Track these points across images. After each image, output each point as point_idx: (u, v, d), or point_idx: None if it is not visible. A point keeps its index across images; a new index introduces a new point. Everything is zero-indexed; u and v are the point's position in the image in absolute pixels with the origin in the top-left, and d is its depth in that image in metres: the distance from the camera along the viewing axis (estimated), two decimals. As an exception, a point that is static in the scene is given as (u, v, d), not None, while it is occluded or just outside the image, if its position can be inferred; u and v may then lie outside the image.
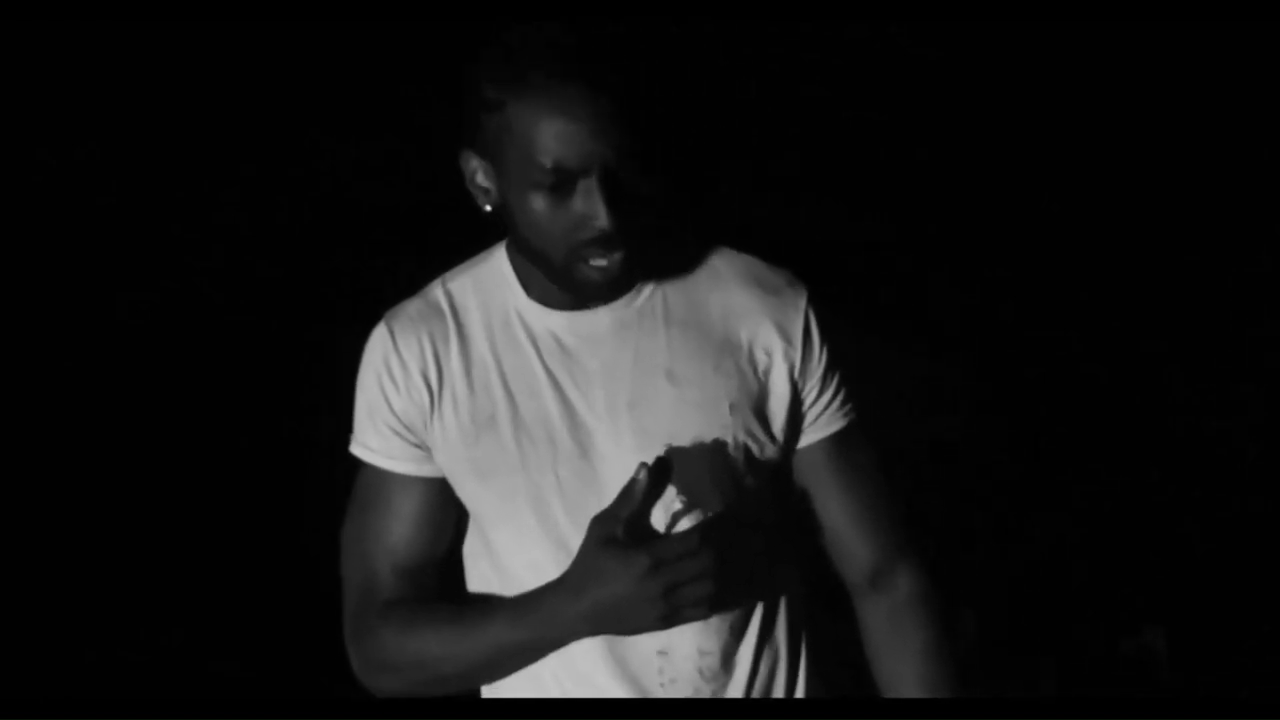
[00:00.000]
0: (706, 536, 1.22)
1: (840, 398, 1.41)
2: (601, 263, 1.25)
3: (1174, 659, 2.99)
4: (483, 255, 1.43)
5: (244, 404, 3.65)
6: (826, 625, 1.49)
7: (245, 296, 3.76)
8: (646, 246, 1.31)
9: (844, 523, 1.43)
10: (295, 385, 3.69)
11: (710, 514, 1.33)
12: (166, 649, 3.04)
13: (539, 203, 1.23)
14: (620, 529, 1.23)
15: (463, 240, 1.51)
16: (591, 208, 1.22)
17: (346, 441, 1.48)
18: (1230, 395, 3.73)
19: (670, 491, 1.32)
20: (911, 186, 3.98)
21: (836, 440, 1.41)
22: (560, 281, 1.30)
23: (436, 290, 1.41)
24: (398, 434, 1.37)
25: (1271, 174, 3.97)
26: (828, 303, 1.41)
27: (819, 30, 3.39)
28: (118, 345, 3.62)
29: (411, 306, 1.40)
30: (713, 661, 1.37)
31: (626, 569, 1.20)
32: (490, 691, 1.43)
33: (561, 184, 1.22)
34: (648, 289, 1.37)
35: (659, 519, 1.31)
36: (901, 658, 1.43)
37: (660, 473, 1.29)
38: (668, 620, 1.22)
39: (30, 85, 3.49)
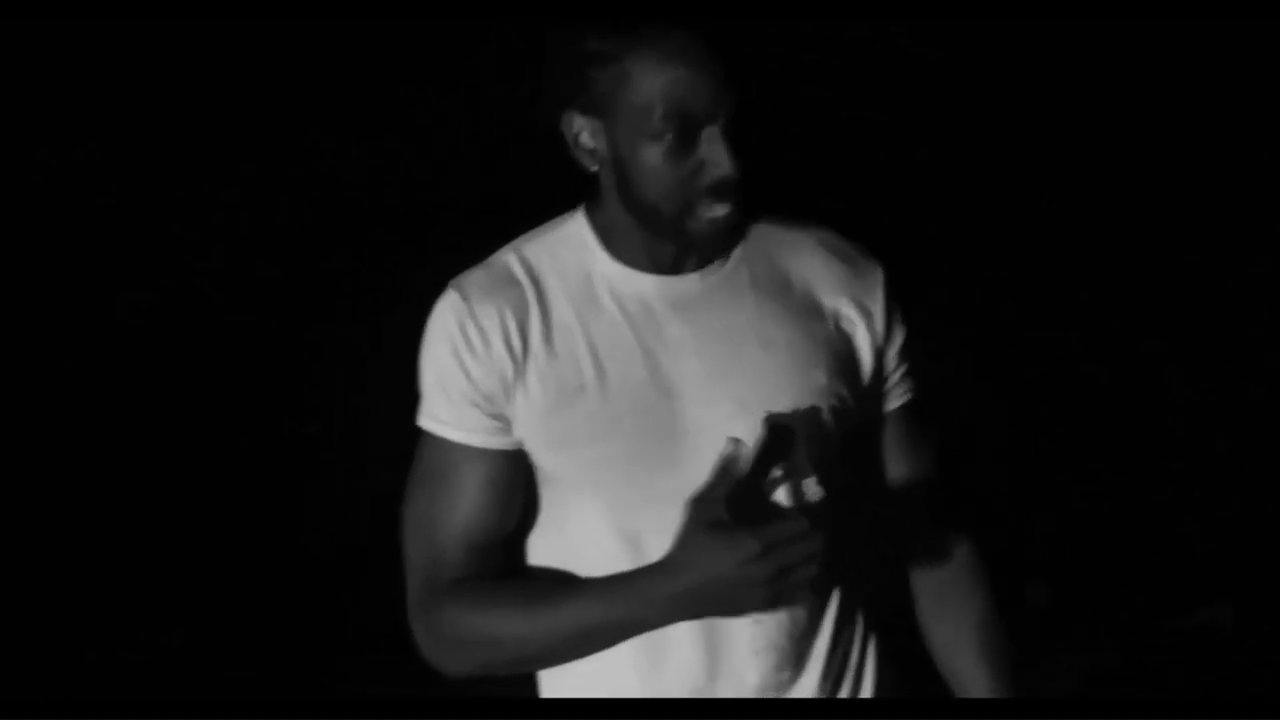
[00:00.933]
0: (814, 516, 1.20)
1: (910, 371, 1.43)
2: (719, 211, 1.24)
3: (1239, 634, 3.00)
4: (554, 223, 1.40)
5: (244, 404, 3.66)
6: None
7: (245, 296, 3.76)
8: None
9: (908, 490, 1.45)
10: (295, 385, 3.69)
11: (804, 481, 1.33)
12: (166, 649, 3.04)
13: (658, 153, 1.22)
14: (723, 509, 1.20)
15: (462, 240, 1.51)
16: (716, 155, 1.21)
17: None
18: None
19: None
20: (911, 187, 3.98)
21: (904, 412, 1.44)
22: (669, 234, 1.28)
23: (508, 256, 1.38)
24: (474, 405, 1.33)
25: (1271, 174, 3.97)
26: (896, 274, 1.43)
27: (819, 30, 3.39)
28: (117, 345, 3.62)
29: (481, 274, 1.37)
30: (801, 628, 1.37)
31: (733, 552, 1.16)
32: None
33: (684, 132, 1.21)
34: (734, 256, 1.37)
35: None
36: (960, 625, 1.46)
37: (776, 443, 1.27)
38: (771, 604, 1.19)
39: (30, 85, 3.49)
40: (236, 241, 3.79)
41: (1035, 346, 3.88)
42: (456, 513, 1.35)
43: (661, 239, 1.30)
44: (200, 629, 3.10)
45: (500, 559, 1.37)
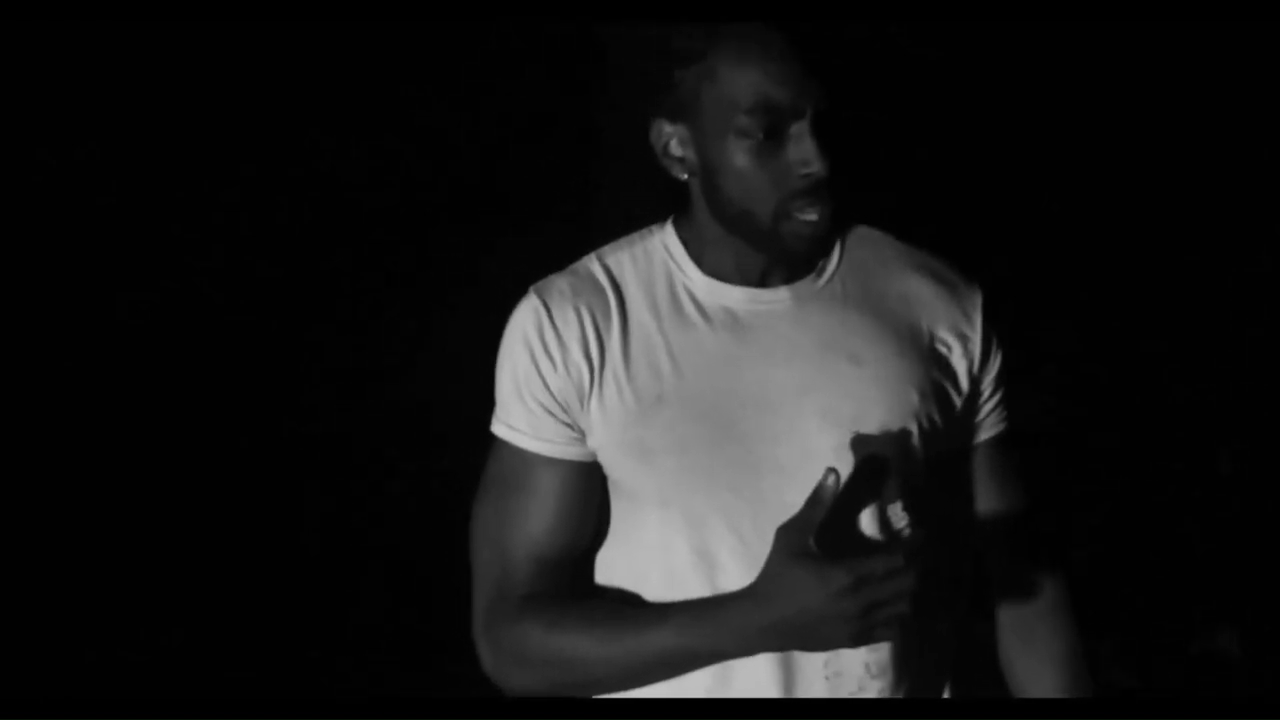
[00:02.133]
0: (908, 552, 1.16)
1: (1005, 400, 1.39)
2: (812, 216, 1.21)
3: (1247, 661, 2.98)
4: (640, 234, 1.37)
5: (244, 404, 3.66)
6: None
7: (243, 296, 3.77)
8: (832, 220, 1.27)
9: (998, 522, 1.41)
10: (295, 385, 3.69)
11: (891, 506, 1.29)
12: (166, 649, 3.04)
13: (746, 153, 1.20)
14: (811, 539, 1.15)
15: (462, 240, 1.51)
16: (804, 151, 1.18)
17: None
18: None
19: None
20: (912, 187, 3.97)
21: (998, 442, 1.39)
22: (761, 242, 1.25)
23: (591, 264, 1.34)
24: (550, 413, 1.29)
25: (1272, 174, 3.98)
26: (996, 298, 1.39)
27: (819, 30, 3.38)
28: (118, 345, 3.62)
29: (563, 280, 1.32)
30: (882, 657, 1.31)
31: (823, 585, 1.12)
32: None
33: (772, 129, 1.18)
34: (828, 270, 1.33)
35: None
36: (1042, 662, 1.43)
37: (868, 474, 1.24)
38: (858, 640, 1.14)
39: (30, 85, 3.49)
40: (237, 241, 3.80)
41: (1040, 344, 3.88)
42: (528, 524, 1.31)
43: (753, 249, 1.27)
44: (200, 629, 3.10)
45: (570, 573, 1.33)
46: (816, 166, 1.18)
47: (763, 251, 1.26)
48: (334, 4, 3.38)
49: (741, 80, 1.18)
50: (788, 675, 1.29)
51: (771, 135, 1.19)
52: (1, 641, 2.94)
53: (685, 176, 1.27)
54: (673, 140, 1.26)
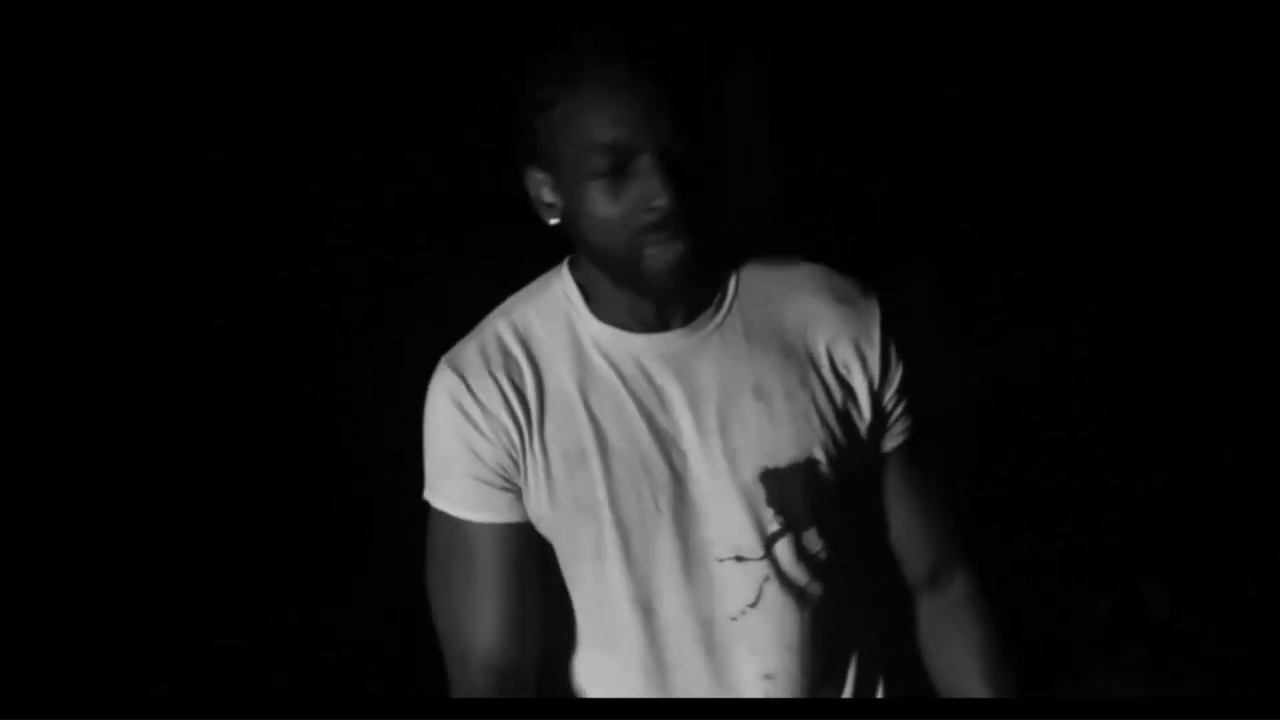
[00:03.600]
0: (815, 568, 1.20)
1: (909, 409, 1.39)
2: (666, 249, 1.21)
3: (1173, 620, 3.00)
4: (539, 284, 1.38)
5: (244, 403, 3.66)
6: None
7: (247, 296, 3.76)
8: (711, 247, 1.27)
9: (907, 525, 1.43)
10: (296, 385, 3.69)
11: (804, 533, 1.32)
12: (166, 649, 3.04)
13: (597, 193, 1.21)
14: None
15: (462, 240, 1.51)
16: (649, 187, 1.19)
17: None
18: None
19: (767, 513, 1.31)
20: (910, 188, 3.98)
21: (906, 448, 1.41)
22: (629, 280, 1.25)
23: (498, 325, 1.35)
24: (484, 481, 1.31)
25: (1272, 174, 3.98)
26: (897, 306, 1.39)
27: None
28: (118, 345, 3.62)
29: (473, 348, 1.34)
30: (814, 680, 1.37)
31: None
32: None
33: (619, 168, 1.19)
34: (725, 305, 1.34)
35: (755, 541, 1.31)
36: (963, 652, 1.44)
37: (781, 508, 1.29)
38: None
39: (32, 85, 3.49)
40: (238, 241, 3.79)
41: (1041, 343, 3.88)
42: (477, 590, 1.33)
43: (637, 294, 1.28)
44: (201, 629, 3.10)
45: (533, 624, 1.35)
46: (660, 201, 1.18)
47: (646, 297, 1.27)
48: (336, 4, 3.39)
49: (588, 123, 1.19)
50: (722, 688, 1.34)
51: (618, 173, 1.19)
52: (3, 641, 2.94)
53: (554, 221, 1.28)
54: (544, 188, 1.27)
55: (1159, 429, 3.69)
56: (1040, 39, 3.91)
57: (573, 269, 1.35)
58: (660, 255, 1.21)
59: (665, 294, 1.27)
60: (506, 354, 1.32)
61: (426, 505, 1.37)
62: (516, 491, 1.32)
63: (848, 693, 1.41)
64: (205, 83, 3.62)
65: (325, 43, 3.62)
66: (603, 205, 1.21)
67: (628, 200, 1.20)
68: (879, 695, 1.44)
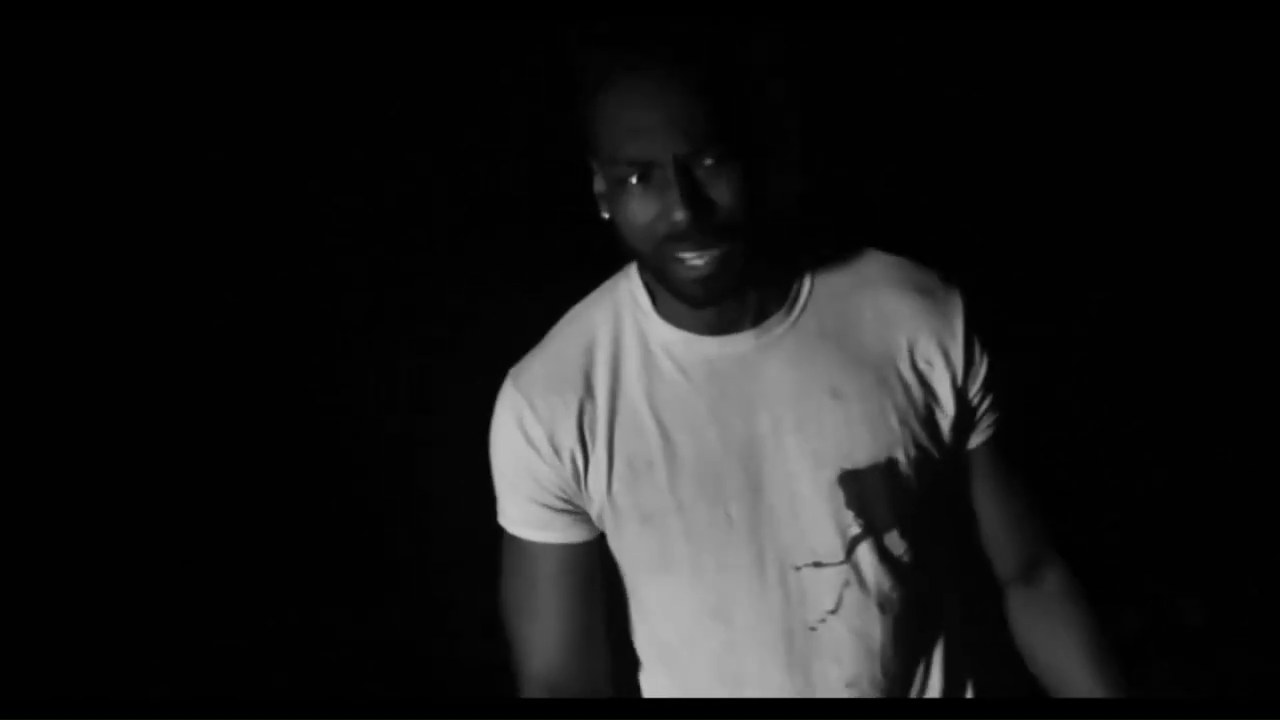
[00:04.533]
0: (899, 572, 1.18)
1: (994, 404, 1.36)
2: (693, 260, 1.19)
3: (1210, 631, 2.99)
4: (606, 288, 1.36)
5: (244, 403, 3.65)
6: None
7: (247, 297, 3.76)
8: (772, 250, 1.25)
9: (997, 522, 1.41)
10: (296, 385, 3.69)
11: (888, 536, 1.30)
12: (166, 649, 3.04)
13: (626, 200, 1.19)
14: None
15: (462, 241, 1.50)
16: (668, 200, 1.17)
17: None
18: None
19: (847, 515, 1.28)
20: (911, 188, 3.98)
21: (993, 443, 1.38)
22: (664, 285, 1.23)
23: (564, 335, 1.33)
24: (545, 505, 1.31)
25: (1272, 174, 3.98)
26: (977, 298, 1.36)
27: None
28: (118, 345, 3.62)
29: (539, 364, 1.32)
30: (897, 684, 1.35)
31: None
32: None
33: (644, 179, 1.17)
34: (799, 303, 1.31)
35: (837, 545, 1.28)
36: (1067, 647, 1.42)
37: (862, 511, 1.26)
38: None
39: (32, 85, 3.49)
40: (239, 241, 3.79)
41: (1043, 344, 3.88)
42: (540, 611, 1.33)
43: (676, 299, 1.25)
44: (200, 629, 3.10)
45: (595, 645, 1.35)
46: (679, 215, 1.16)
47: (669, 292, 1.24)
48: (338, 4, 3.39)
49: (612, 131, 1.18)
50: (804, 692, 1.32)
51: (645, 182, 1.18)
52: (4, 641, 2.94)
53: (606, 216, 1.26)
54: (598, 179, 1.26)
55: (1175, 431, 3.69)
56: (1040, 39, 3.91)
57: (641, 271, 1.33)
58: (686, 267, 1.19)
59: (699, 303, 1.24)
60: (574, 367, 1.30)
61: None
62: (580, 512, 1.31)
63: (933, 697, 1.38)
64: (205, 83, 3.62)
65: (325, 43, 3.62)
66: (631, 211, 1.19)
67: (653, 209, 1.18)
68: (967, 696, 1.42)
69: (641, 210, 1.18)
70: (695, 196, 1.16)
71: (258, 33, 3.51)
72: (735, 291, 1.24)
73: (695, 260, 1.19)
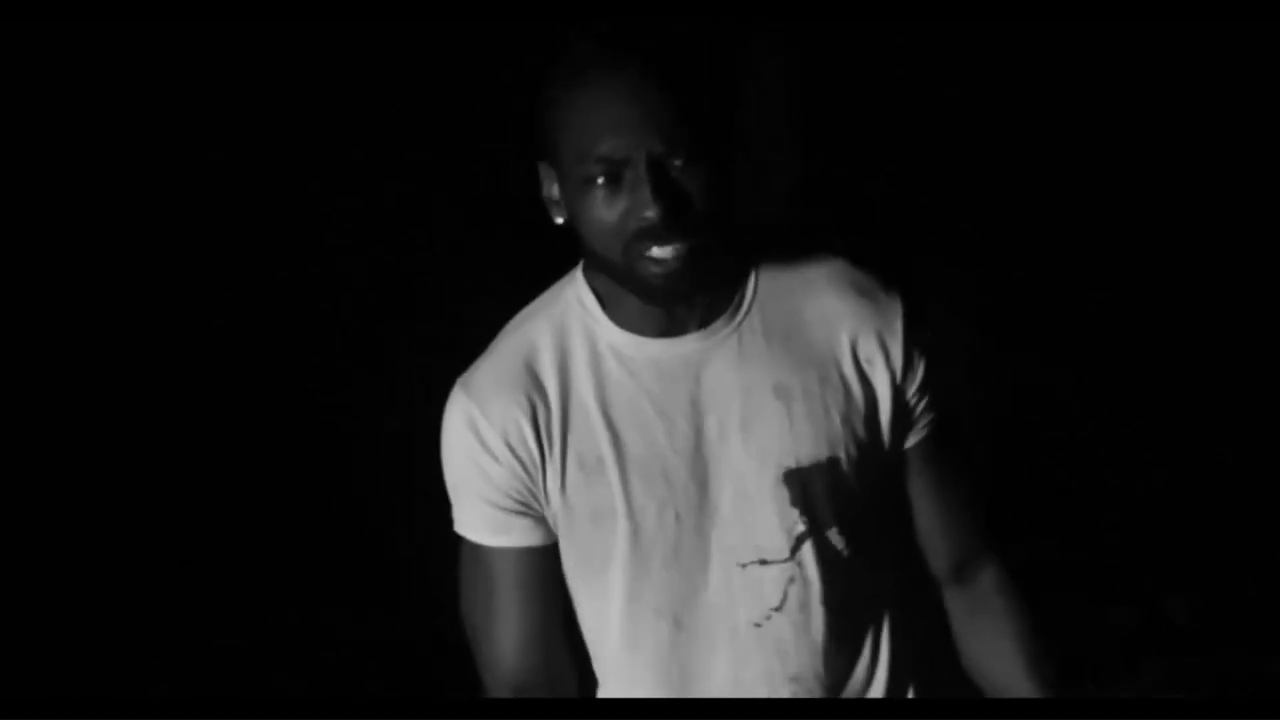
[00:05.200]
0: (839, 569, 1.20)
1: (931, 403, 1.37)
2: (660, 254, 1.19)
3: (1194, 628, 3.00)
4: (552, 293, 1.36)
5: (245, 403, 3.66)
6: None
7: (247, 296, 3.76)
8: (725, 252, 1.26)
9: (932, 518, 1.41)
10: (296, 384, 3.69)
11: (830, 532, 1.31)
12: (166, 649, 3.04)
13: (592, 199, 1.19)
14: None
15: (461, 241, 1.50)
16: (639, 198, 1.17)
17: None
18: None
19: (792, 514, 1.29)
20: (916, 187, 3.98)
21: (928, 441, 1.39)
22: (629, 284, 1.24)
23: (512, 341, 1.33)
24: (500, 508, 1.31)
25: (1272, 175, 3.98)
26: (918, 298, 1.37)
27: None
28: (119, 345, 3.62)
29: (488, 369, 1.32)
30: (839, 681, 1.36)
31: None
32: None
33: (612, 176, 1.18)
34: (744, 305, 1.32)
35: (783, 543, 1.30)
36: (999, 644, 1.42)
37: (805, 509, 1.28)
38: None
39: (32, 85, 3.49)
40: (241, 242, 3.80)
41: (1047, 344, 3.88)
42: (498, 612, 1.34)
43: (642, 299, 1.26)
44: (201, 629, 3.10)
45: (557, 646, 1.36)
46: (651, 212, 1.16)
47: (638, 296, 1.25)
48: (335, 4, 3.39)
49: (581, 130, 1.17)
50: (743, 694, 1.34)
51: (613, 180, 1.18)
52: (1, 641, 2.94)
53: (560, 221, 1.26)
54: (552, 184, 1.26)
55: (1170, 432, 3.69)
56: (1040, 39, 3.91)
57: (587, 274, 1.33)
58: (655, 263, 1.20)
59: (667, 300, 1.25)
60: (522, 371, 1.30)
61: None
62: (536, 515, 1.31)
63: (875, 693, 1.39)
64: (205, 83, 3.62)
65: (325, 43, 3.62)
66: (599, 211, 1.19)
67: (621, 208, 1.19)
68: (909, 694, 1.43)
69: (610, 209, 1.19)
70: (667, 193, 1.17)
71: (258, 33, 3.51)
72: (694, 290, 1.26)
73: (663, 255, 1.19)
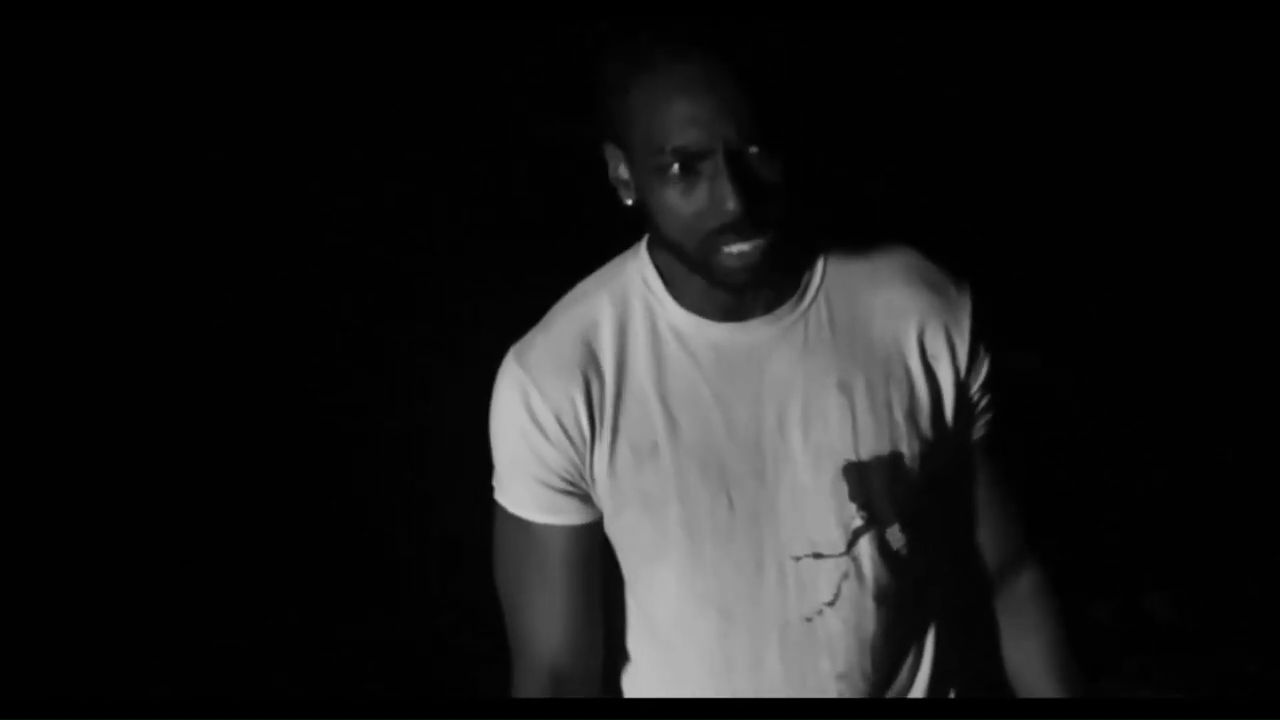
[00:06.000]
0: (898, 565, 1.20)
1: (996, 397, 1.36)
2: (739, 248, 1.17)
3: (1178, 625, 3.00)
4: (613, 267, 1.33)
5: (245, 403, 3.66)
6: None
7: (247, 296, 3.77)
8: (792, 239, 1.24)
9: (985, 519, 1.40)
10: (296, 384, 3.69)
11: (888, 529, 1.29)
12: (166, 649, 3.04)
13: (668, 190, 1.16)
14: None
15: (462, 241, 1.50)
16: (719, 191, 1.14)
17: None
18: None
19: (850, 508, 1.27)
20: (915, 187, 3.98)
21: (985, 441, 1.37)
22: (702, 273, 1.21)
23: (571, 314, 1.30)
24: (548, 486, 1.28)
25: (1270, 175, 3.98)
26: (986, 295, 1.35)
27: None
28: (119, 345, 3.62)
29: (543, 344, 1.29)
30: (886, 678, 1.34)
31: None
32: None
33: (688, 169, 1.15)
34: (810, 293, 1.29)
35: (839, 538, 1.28)
36: (1031, 648, 1.42)
37: (864, 504, 1.27)
38: None
39: (32, 85, 3.49)
40: (242, 242, 3.80)
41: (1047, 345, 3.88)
42: (541, 590, 1.31)
43: (711, 285, 1.23)
44: (201, 629, 3.10)
45: (597, 627, 1.34)
46: (731, 205, 1.14)
47: (708, 282, 1.23)
48: (335, 4, 3.39)
49: (656, 120, 1.15)
50: (790, 688, 1.31)
51: (689, 173, 1.15)
52: (1, 641, 2.93)
53: (629, 202, 1.24)
54: (620, 165, 1.23)
55: (1161, 429, 3.69)
56: (1040, 39, 3.91)
57: (651, 251, 1.30)
58: (733, 256, 1.17)
59: (738, 289, 1.22)
60: (580, 347, 1.27)
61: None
62: (583, 495, 1.29)
63: (919, 692, 1.37)
64: (205, 83, 3.62)
65: (325, 43, 3.62)
66: (674, 202, 1.17)
67: (697, 201, 1.16)
68: (951, 694, 1.42)
69: (687, 201, 1.16)
70: (747, 187, 1.14)
71: (258, 33, 3.51)
72: (766, 278, 1.23)
73: (743, 249, 1.18)
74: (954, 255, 1.39)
